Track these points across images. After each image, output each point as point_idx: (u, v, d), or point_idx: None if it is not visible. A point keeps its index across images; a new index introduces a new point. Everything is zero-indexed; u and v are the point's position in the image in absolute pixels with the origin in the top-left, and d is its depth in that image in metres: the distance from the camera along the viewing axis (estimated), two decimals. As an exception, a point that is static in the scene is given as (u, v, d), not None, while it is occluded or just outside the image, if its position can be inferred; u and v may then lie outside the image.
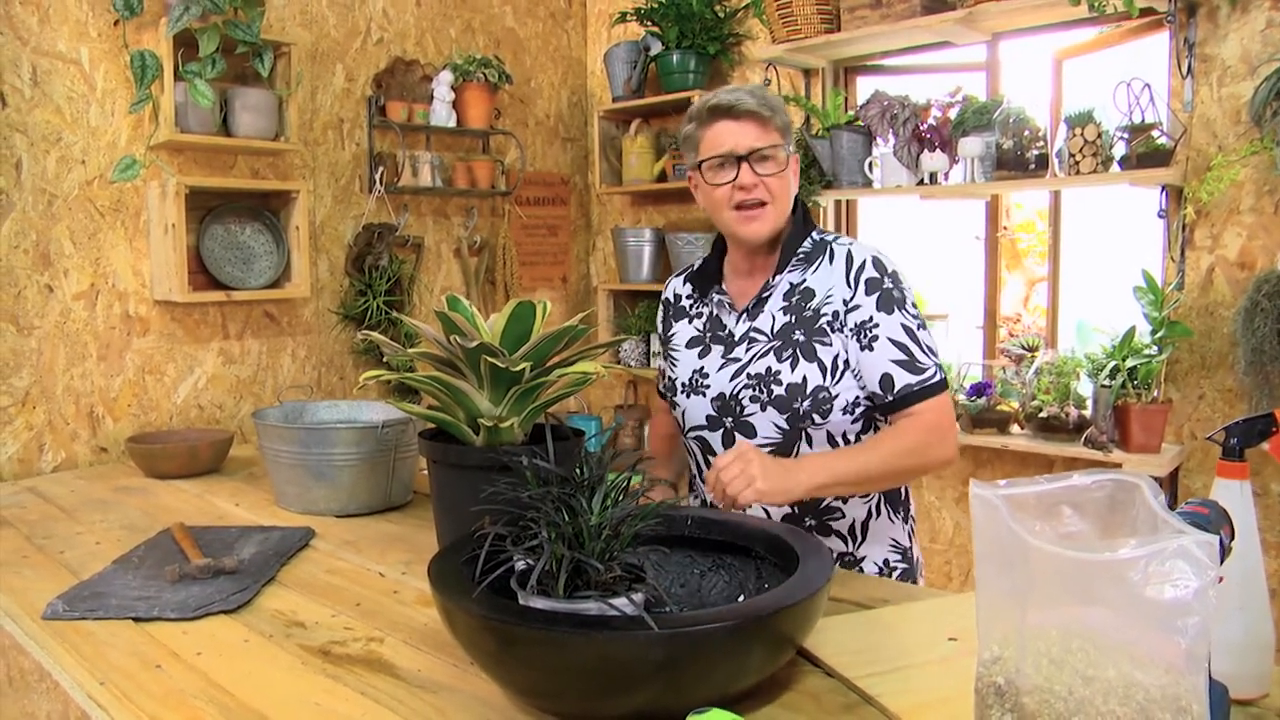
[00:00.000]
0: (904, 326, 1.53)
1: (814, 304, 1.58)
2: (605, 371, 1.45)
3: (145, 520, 1.90)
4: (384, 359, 3.29)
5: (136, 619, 1.34)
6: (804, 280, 1.60)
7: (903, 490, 1.68)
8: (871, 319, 1.53)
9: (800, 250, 1.62)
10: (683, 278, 1.82)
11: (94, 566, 1.58)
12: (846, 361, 1.55)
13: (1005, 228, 3.39)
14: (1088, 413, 2.76)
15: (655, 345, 3.82)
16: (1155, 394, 2.68)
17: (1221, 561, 0.82)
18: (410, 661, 1.20)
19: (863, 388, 1.55)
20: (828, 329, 1.55)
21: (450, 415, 1.42)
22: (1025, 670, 0.78)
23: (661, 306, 1.84)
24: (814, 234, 1.65)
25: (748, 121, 1.54)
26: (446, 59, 3.52)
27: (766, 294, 1.62)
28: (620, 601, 0.98)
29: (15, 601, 1.43)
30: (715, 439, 1.63)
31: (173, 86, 2.64)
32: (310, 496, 1.91)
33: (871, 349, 1.53)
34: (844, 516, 1.61)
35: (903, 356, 1.52)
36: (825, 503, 1.60)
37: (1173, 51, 2.67)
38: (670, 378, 1.73)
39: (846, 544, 1.62)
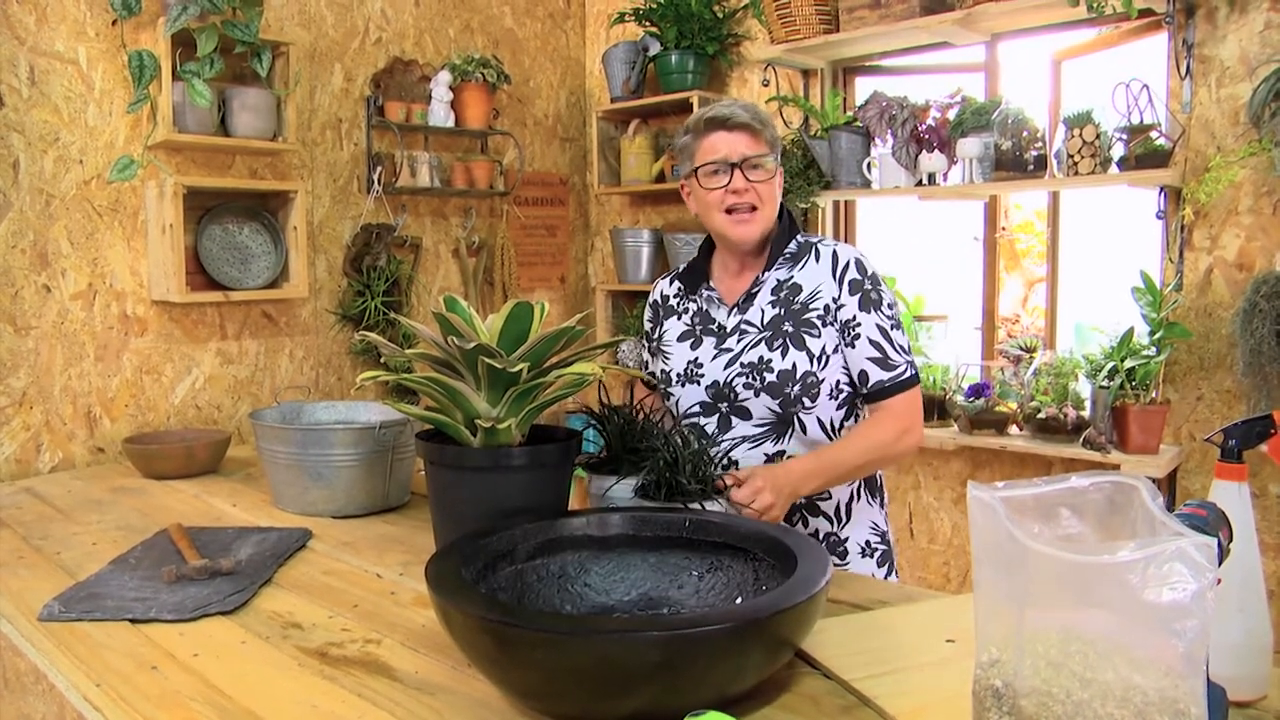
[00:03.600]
0: (879, 327, 1.68)
1: (802, 298, 1.71)
2: (603, 372, 1.45)
3: (142, 521, 1.90)
4: (382, 359, 3.29)
5: (133, 620, 1.33)
6: (791, 277, 1.73)
7: (878, 476, 1.84)
8: (855, 318, 1.68)
9: (786, 251, 1.75)
10: (669, 278, 1.93)
11: (90, 567, 1.58)
12: (834, 351, 1.69)
13: (1004, 228, 3.39)
14: (1086, 414, 2.76)
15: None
16: (1153, 395, 2.68)
17: (1220, 563, 0.82)
18: (408, 663, 1.19)
19: (846, 373, 1.71)
20: (817, 322, 1.69)
21: (448, 416, 1.42)
22: (1023, 673, 0.78)
23: (649, 309, 1.93)
24: (799, 237, 1.77)
25: (741, 132, 1.68)
26: (445, 59, 3.52)
27: (756, 289, 1.74)
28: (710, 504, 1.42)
29: (11, 602, 1.42)
30: (711, 423, 1.74)
31: (170, 86, 2.64)
32: (308, 497, 1.91)
33: (853, 346, 1.69)
34: (830, 497, 1.75)
35: (877, 355, 1.68)
36: None
37: (1171, 52, 2.67)
38: (664, 370, 1.82)
39: (833, 524, 1.75)
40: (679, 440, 1.48)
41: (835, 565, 1.59)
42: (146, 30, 2.68)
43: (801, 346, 1.67)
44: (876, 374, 1.67)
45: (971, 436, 2.90)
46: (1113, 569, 0.71)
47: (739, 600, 1.22)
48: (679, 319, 1.84)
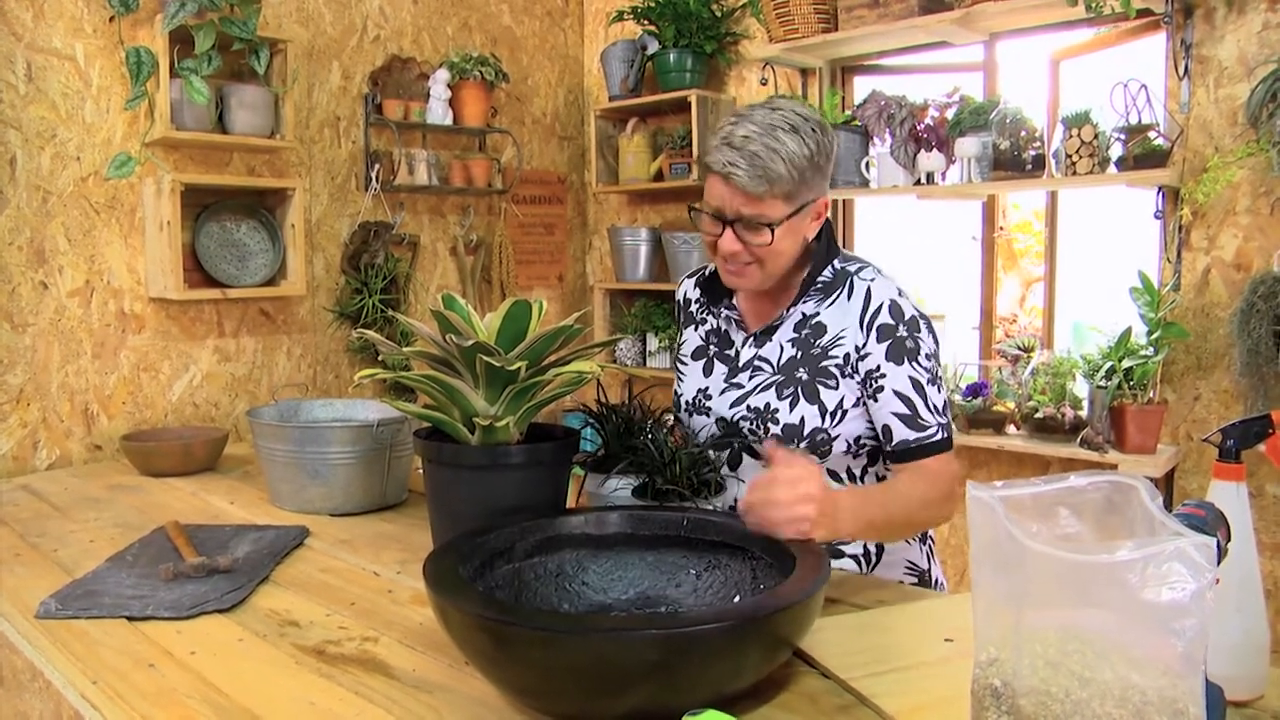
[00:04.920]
0: (912, 380, 1.45)
1: (823, 341, 1.50)
2: (601, 371, 1.45)
3: (139, 518, 1.89)
4: (379, 357, 3.28)
5: (130, 618, 1.33)
6: (817, 314, 1.52)
7: None
8: (879, 368, 1.46)
9: (819, 280, 1.53)
10: (695, 280, 1.74)
11: (87, 565, 1.57)
12: (853, 405, 1.49)
13: (1002, 228, 3.39)
14: (1083, 413, 2.76)
15: (652, 345, 3.82)
16: (1151, 395, 2.68)
17: (1218, 563, 0.82)
18: (405, 661, 1.19)
19: (870, 427, 1.50)
20: (836, 372, 1.49)
21: (446, 414, 1.42)
22: (1022, 672, 0.78)
23: (676, 305, 1.78)
24: (836, 262, 1.54)
25: (738, 190, 1.40)
26: (443, 57, 3.51)
27: (778, 323, 1.55)
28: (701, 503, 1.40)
29: (8, 600, 1.42)
30: (721, 459, 1.57)
31: (168, 83, 2.63)
32: (305, 495, 1.91)
33: (875, 399, 1.47)
34: (876, 538, 1.54)
35: (905, 411, 1.45)
36: None
37: (1169, 53, 2.67)
38: (676, 392, 1.69)
39: (861, 567, 1.56)
40: (678, 439, 1.47)
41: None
42: (144, 27, 2.67)
43: (814, 399, 1.48)
44: (901, 431, 1.45)
45: (969, 436, 2.90)
46: (1111, 568, 0.71)
47: (737, 599, 1.22)
48: (695, 330, 1.69)
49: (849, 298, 1.50)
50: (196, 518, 1.89)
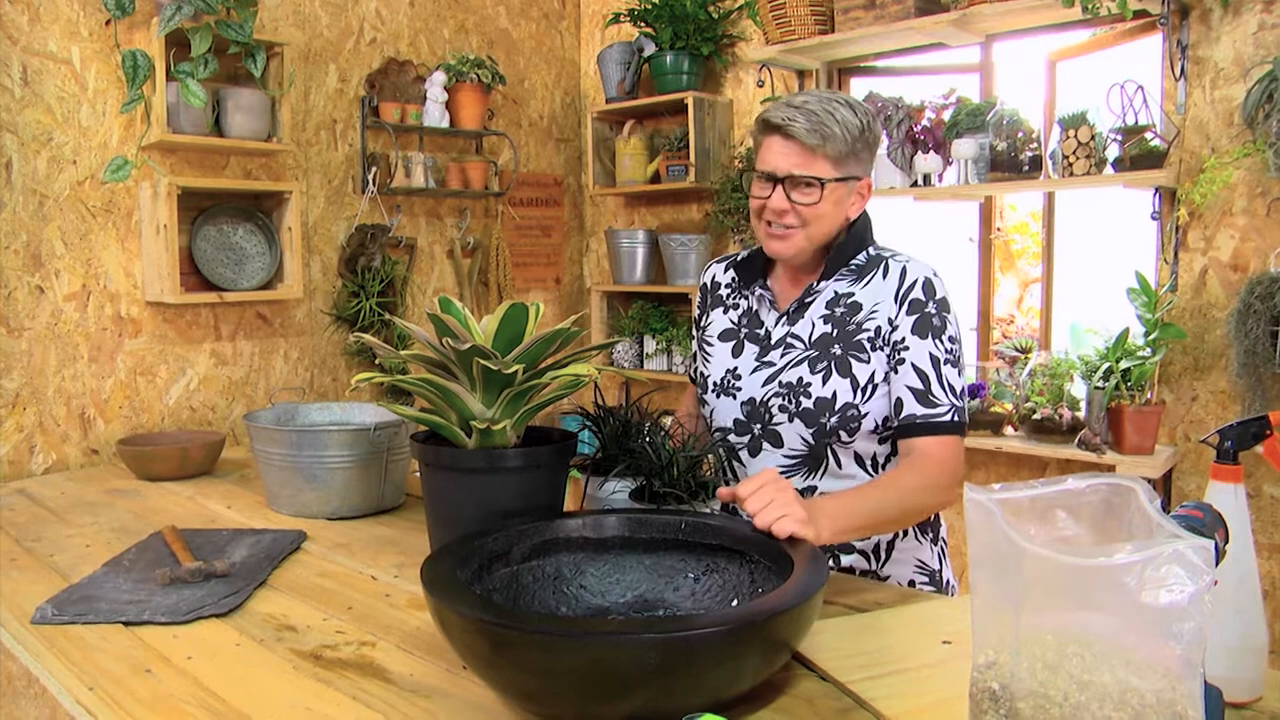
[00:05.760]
0: (932, 356, 1.48)
1: (858, 318, 1.53)
2: (598, 373, 1.45)
3: (136, 523, 1.89)
4: (376, 361, 3.28)
5: (126, 623, 1.33)
6: (852, 293, 1.55)
7: None
8: (904, 340, 1.49)
9: (853, 262, 1.57)
10: (725, 264, 1.76)
11: (84, 569, 1.57)
12: (883, 379, 1.51)
13: (999, 229, 3.40)
14: (1081, 414, 2.76)
15: (649, 347, 3.81)
16: (1148, 396, 2.68)
17: (1216, 565, 0.82)
18: (403, 665, 1.19)
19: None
20: (867, 345, 1.51)
21: (443, 418, 1.41)
22: (1020, 675, 0.78)
23: (699, 292, 1.79)
24: (871, 248, 1.58)
25: (794, 144, 1.48)
26: (440, 59, 3.51)
27: (810, 299, 1.57)
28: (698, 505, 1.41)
29: (4, 605, 1.42)
30: (742, 444, 1.60)
31: (164, 86, 2.63)
32: (302, 499, 1.90)
33: (896, 371, 1.50)
34: (867, 536, 1.56)
35: (919, 385, 1.48)
36: None
37: (1166, 54, 2.67)
38: (703, 374, 1.69)
39: (870, 562, 1.58)
40: (676, 441, 1.47)
41: None
42: (140, 30, 2.67)
43: (846, 373, 1.50)
44: (911, 405, 1.47)
45: (967, 438, 2.90)
46: (1109, 571, 0.71)
47: (735, 602, 1.22)
48: (725, 313, 1.69)
49: (884, 277, 1.54)
50: (193, 522, 1.88)
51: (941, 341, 1.49)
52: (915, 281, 1.51)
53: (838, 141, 1.47)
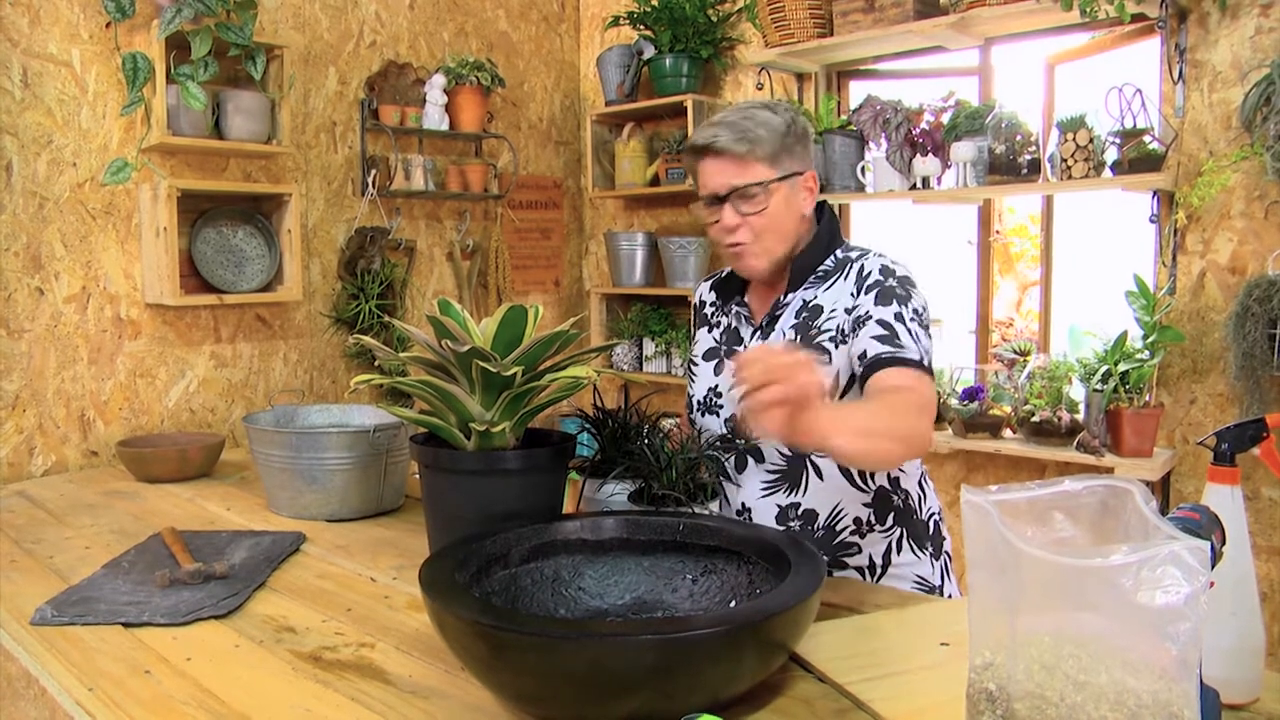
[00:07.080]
0: (896, 314, 1.43)
1: (819, 321, 1.52)
2: (597, 376, 1.45)
3: (135, 525, 1.89)
4: (376, 363, 3.28)
5: (126, 624, 1.33)
6: (815, 298, 1.54)
7: (930, 524, 1.60)
8: (867, 312, 1.44)
9: (820, 268, 1.56)
10: (710, 283, 1.77)
11: (83, 571, 1.57)
12: (848, 377, 1.47)
13: (998, 232, 3.40)
14: (1080, 417, 2.76)
15: (648, 349, 3.82)
16: (1147, 398, 2.68)
17: (1213, 567, 0.82)
18: (401, 667, 1.19)
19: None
20: (829, 345, 1.49)
21: (442, 420, 1.42)
22: (1017, 676, 0.78)
23: (692, 308, 1.81)
24: (838, 251, 1.57)
25: (726, 159, 1.48)
26: (439, 62, 3.52)
27: (779, 311, 1.57)
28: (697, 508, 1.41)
29: (3, 607, 1.42)
30: (729, 460, 1.59)
31: (164, 89, 2.63)
32: (301, 501, 1.90)
33: (856, 334, 1.44)
34: (860, 552, 1.54)
35: (884, 333, 1.40)
36: (839, 538, 1.55)
37: (1164, 57, 2.68)
38: (689, 394, 1.71)
39: (865, 578, 1.55)
40: (674, 443, 1.47)
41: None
42: (140, 33, 2.67)
43: None
44: (875, 348, 1.39)
45: (965, 440, 2.91)
46: (1106, 572, 0.71)
47: (733, 604, 1.22)
48: (709, 332, 1.71)
49: (845, 278, 1.53)
50: (193, 524, 1.88)
51: (907, 306, 1.44)
52: (872, 270, 1.49)
53: (765, 143, 1.47)
